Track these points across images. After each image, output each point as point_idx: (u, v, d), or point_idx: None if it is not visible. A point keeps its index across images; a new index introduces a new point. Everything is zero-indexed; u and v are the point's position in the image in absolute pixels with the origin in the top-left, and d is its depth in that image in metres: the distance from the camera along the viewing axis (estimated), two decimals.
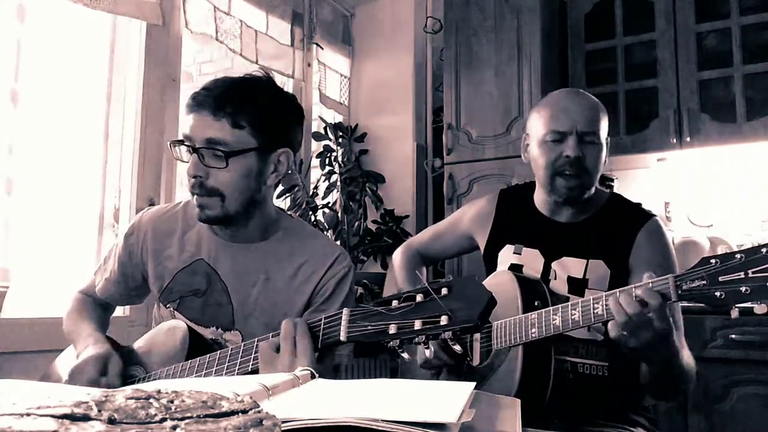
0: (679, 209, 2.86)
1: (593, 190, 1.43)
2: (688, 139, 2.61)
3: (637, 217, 1.40)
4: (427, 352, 0.85)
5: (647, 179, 2.92)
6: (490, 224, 1.56)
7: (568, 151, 1.34)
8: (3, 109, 1.88)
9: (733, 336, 2.22)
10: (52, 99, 2.07)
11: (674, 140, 2.63)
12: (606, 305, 1.12)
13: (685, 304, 1.27)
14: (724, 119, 2.57)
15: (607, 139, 1.42)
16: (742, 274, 0.98)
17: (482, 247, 1.57)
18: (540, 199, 1.48)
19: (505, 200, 1.57)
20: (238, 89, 1.15)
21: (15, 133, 1.91)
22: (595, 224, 1.42)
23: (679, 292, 1.04)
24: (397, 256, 1.73)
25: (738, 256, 0.99)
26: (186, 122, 1.16)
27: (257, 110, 1.15)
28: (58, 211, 2.10)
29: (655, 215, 1.41)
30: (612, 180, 2.80)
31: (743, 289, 0.97)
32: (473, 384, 0.65)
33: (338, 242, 2.81)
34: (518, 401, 0.74)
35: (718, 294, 0.99)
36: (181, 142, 1.17)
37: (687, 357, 1.26)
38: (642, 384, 1.33)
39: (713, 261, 1.01)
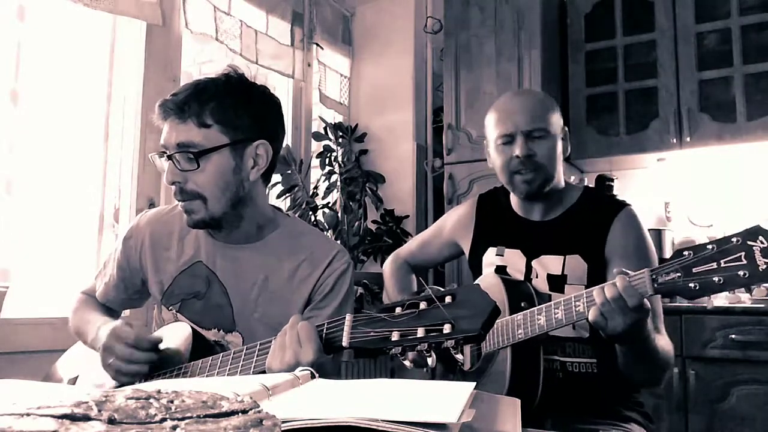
0: (679, 209, 2.86)
1: (561, 184, 1.45)
2: (688, 139, 2.61)
3: (610, 207, 1.41)
4: (430, 361, 0.85)
5: (647, 179, 2.92)
6: (472, 229, 1.58)
7: (517, 151, 1.38)
8: (3, 109, 1.87)
9: (733, 336, 2.22)
10: (52, 99, 2.07)
11: (674, 140, 2.63)
12: (587, 302, 1.13)
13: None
14: (724, 119, 2.57)
15: (563, 129, 1.45)
16: (714, 265, 1.00)
17: (467, 252, 1.59)
18: (514, 199, 1.51)
19: (483, 204, 1.59)
20: (202, 90, 1.15)
21: (15, 133, 1.91)
22: (570, 220, 1.43)
23: (655, 285, 1.06)
24: (387, 267, 1.75)
25: (710, 246, 1.01)
26: (162, 132, 1.17)
27: (222, 107, 1.14)
28: (58, 211, 2.09)
29: (629, 204, 1.42)
30: (612, 180, 2.80)
31: (716, 279, 1.00)
32: (473, 384, 0.65)
33: (338, 242, 2.81)
34: (518, 401, 0.74)
35: (692, 285, 1.02)
36: (162, 153, 1.17)
37: (663, 342, 1.26)
38: (620, 369, 1.33)
39: (686, 253, 1.04)
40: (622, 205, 1.41)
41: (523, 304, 1.31)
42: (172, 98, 1.14)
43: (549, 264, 1.40)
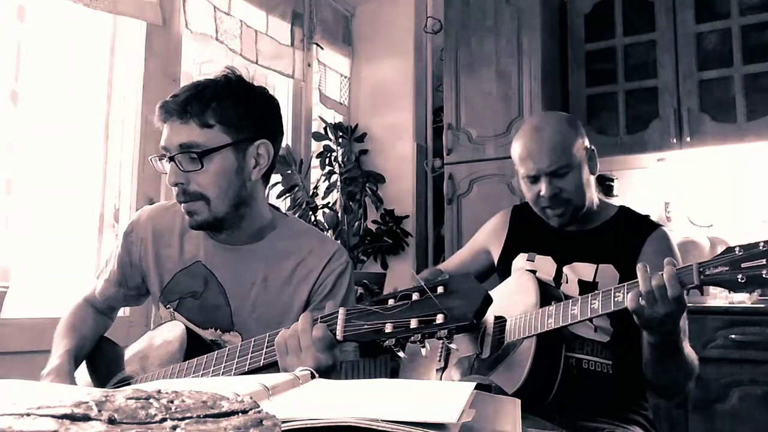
0: (679, 209, 2.86)
1: (595, 202, 1.49)
2: (688, 139, 2.61)
3: (645, 226, 1.46)
4: (423, 351, 0.85)
5: (647, 179, 2.92)
6: (504, 236, 1.62)
7: (543, 191, 1.42)
8: (3, 109, 1.87)
9: (733, 336, 2.22)
10: (52, 99, 2.07)
11: (674, 140, 2.63)
12: (626, 293, 1.16)
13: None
14: (724, 119, 2.57)
15: (589, 149, 1.47)
16: (764, 260, 1.03)
17: (496, 258, 1.62)
18: None
19: (517, 214, 1.64)
20: (203, 90, 1.15)
21: (15, 133, 1.90)
22: (605, 232, 1.47)
23: (702, 277, 1.09)
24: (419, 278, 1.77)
25: (761, 245, 1.05)
26: (162, 135, 1.16)
27: (224, 106, 1.14)
28: (58, 211, 2.09)
29: (662, 225, 1.47)
30: (612, 180, 2.79)
31: (764, 273, 1.03)
32: (473, 384, 0.65)
33: (337, 241, 2.81)
34: (518, 401, 0.74)
35: (739, 278, 1.05)
36: (162, 156, 1.17)
37: (689, 351, 1.30)
38: (645, 378, 1.35)
39: (737, 249, 1.07)
40: (656, 225, 1.47)
41: (553, 303, 1.33)
42: (173, 99, 1.14)
43: (581, 270, 1.43)
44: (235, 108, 1.15)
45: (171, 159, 1.13)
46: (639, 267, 1.15)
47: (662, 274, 1.11)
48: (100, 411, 0.38)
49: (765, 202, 2.69)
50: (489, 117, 2.81)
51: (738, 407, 2.22)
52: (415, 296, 0.85)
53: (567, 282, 1.44)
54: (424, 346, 0.85)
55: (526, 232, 1.58)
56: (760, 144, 2.54)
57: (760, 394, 2.19)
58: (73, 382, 1.20)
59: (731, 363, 2.23)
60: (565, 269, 1.45)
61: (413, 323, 0.83)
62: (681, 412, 2.28)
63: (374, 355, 2.80)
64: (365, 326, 0.88)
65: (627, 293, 1.16)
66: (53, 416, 0.37)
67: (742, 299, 2.42)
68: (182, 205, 1.17)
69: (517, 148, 1.48)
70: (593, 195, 1.48)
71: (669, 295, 1.10)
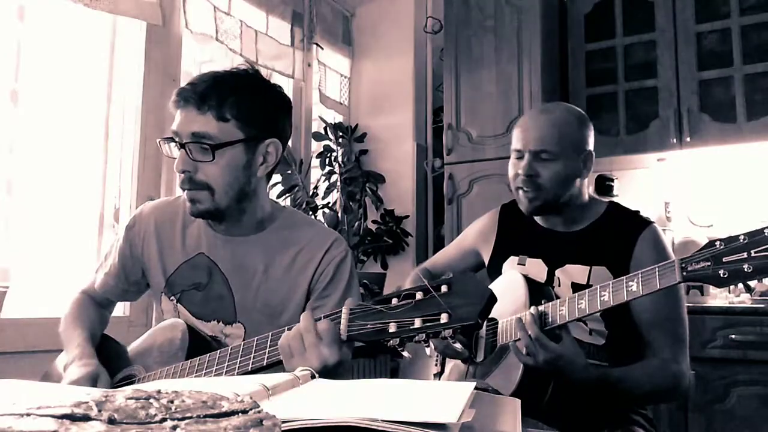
0: (679, 209, 2.86)
1: (583, 198, 1.47)
2: (688, 139, 2.61)
3: (636, 223, 1.43)
4: (428, 350, 0.85)
5: (647, 179, 2.92)
6: (494, 238, 1.60)
7: (521, 169, 1.42)
8: (3, 109, 1.87)
9: (733, 336, 2.22)
10: (52, 99, 2.07)
11: (674, 140, 2.63)
12: (612, 292, 1.16)
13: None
14: (724, 119, 2.57)
15: (586, 151, 1.46)
16: (745, 254, 1.02)
17: (487, 260, 1.60)
18: None
19: (505, 214, 1.61)
20: (222, 83, 1.15)
21: (15, 133, 1.91)
22: (596, 232, 1.44)
23: (684, 273, 1.08)
24: (408, 278, 1.78)
25: (742, 237, 1.03)
26: (174, 119, 1.16)
27: (242, 102, 1.14)
28: (58, 211, 2.09)
29: (653, 222, 1.44)
30: (612, 180, 2.79)
31: (746, 267, 1.01)
32: (473, 384, 0.65)
33: (337, 232, 2.80)
34: (518, 401, 0.74)
35: (721, 273, 1.04)
36: (170, 139, 1.17)
37: (641, 373, 1.30)
38: None
39: (718, 243, 1.06)
40: (647, 222, 1.43)
41: (543, 302, 1.32)
42: (191, 87, 1.14)
43: (574, 273, 1.41)
44: (251, 105, 1.16)
45: (182, 146, 1.14)
46: (517, 324, 1.23)
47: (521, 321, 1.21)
48: (100, 411, 0.38)
49: (765, 202, 2.69)
50: (489, 117, 2.81)
51: (738, 407, 2.22)
52: (419, 295, 0.84)
53: (560, 285, 1.42)
54: (428, 346, 0.85)
55: (515, 234, 1.56)
56: (760, 144, 2.54)
57: (760, 394, 2.19)
58: (100, 366, 1.19)
59: (731, 363, 2.23)
60: (557, 272, 1.43)
61: (417, 323, 0.82)
62: (681, 412, 2.28)
63: (374, 355, 2.80)
64: (369, 326, 0.87)
65: (613, 292, 1.15)
66: (53, 416, 0.37)
67: (743, 299, 2.43)
68: (186, 192, 1.17)
69: (516, 126, 1.48)
70: (581, 195, 1.46)
71: (529, 334, 1.19)
